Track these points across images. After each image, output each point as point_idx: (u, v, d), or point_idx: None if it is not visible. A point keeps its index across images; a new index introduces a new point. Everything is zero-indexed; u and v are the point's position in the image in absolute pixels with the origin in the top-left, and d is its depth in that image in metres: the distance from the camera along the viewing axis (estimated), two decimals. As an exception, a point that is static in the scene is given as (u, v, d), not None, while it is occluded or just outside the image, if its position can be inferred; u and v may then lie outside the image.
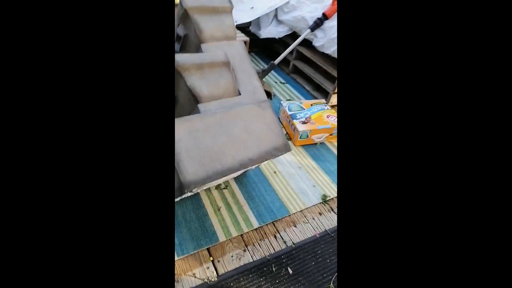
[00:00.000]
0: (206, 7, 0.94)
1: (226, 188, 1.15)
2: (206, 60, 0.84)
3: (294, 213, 1.11)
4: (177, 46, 0.94)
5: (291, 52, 1.76)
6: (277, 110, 1.57)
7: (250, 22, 1.94)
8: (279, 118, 1.55)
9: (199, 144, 0.76)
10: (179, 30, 0.93)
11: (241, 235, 1.01)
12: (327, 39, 1.57)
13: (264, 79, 1.77)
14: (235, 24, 1.56)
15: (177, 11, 0.97)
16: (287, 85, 1.85)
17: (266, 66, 1.64)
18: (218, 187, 1.15)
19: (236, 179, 1.19)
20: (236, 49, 0.94)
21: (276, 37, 1.88)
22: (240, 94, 0.91)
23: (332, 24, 1.54)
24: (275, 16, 1.84)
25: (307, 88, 1.83)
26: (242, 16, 1.76)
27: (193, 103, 0.85)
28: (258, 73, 1.52)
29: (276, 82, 1.86)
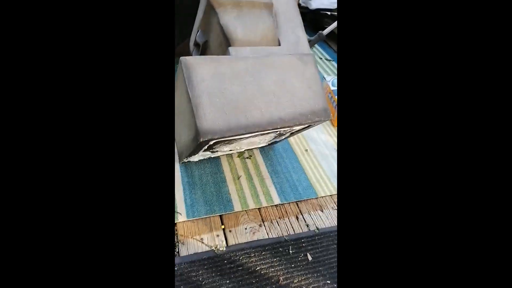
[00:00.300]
0: None
1: (250, 158, 1.04)
2: (246, -3, 0.72)
3: (322, 197, 0.97)
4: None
5: (342, 26, 1.56)
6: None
7: (302, -9, 1.78)
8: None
9: (223, 90, 0.65)
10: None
11: (259, 208, 0.90)
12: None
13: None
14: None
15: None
16: (333, 62, 1.67)
17: (312, 38, 1.48)
18: (241, 155, 1.05)
19: (262, 150, 1.08)
20: (282, -9, 0.80)
21: (328, 12, 1.70)
22: (279, 44, 0.78)
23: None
24: (331, -16, 1.66)
25: (356, 69, 1.63)
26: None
27: (224, 48, 0.74)
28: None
29: (321, 59, 1.69)
